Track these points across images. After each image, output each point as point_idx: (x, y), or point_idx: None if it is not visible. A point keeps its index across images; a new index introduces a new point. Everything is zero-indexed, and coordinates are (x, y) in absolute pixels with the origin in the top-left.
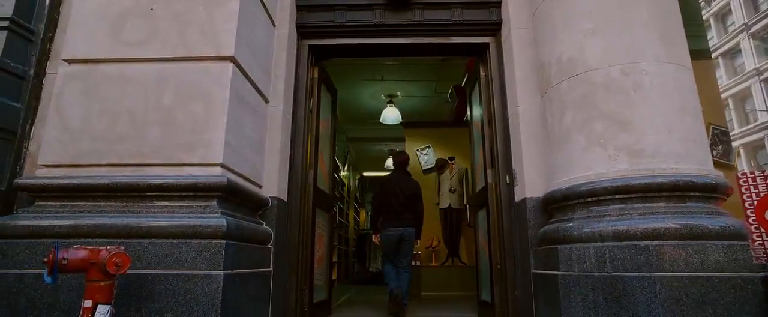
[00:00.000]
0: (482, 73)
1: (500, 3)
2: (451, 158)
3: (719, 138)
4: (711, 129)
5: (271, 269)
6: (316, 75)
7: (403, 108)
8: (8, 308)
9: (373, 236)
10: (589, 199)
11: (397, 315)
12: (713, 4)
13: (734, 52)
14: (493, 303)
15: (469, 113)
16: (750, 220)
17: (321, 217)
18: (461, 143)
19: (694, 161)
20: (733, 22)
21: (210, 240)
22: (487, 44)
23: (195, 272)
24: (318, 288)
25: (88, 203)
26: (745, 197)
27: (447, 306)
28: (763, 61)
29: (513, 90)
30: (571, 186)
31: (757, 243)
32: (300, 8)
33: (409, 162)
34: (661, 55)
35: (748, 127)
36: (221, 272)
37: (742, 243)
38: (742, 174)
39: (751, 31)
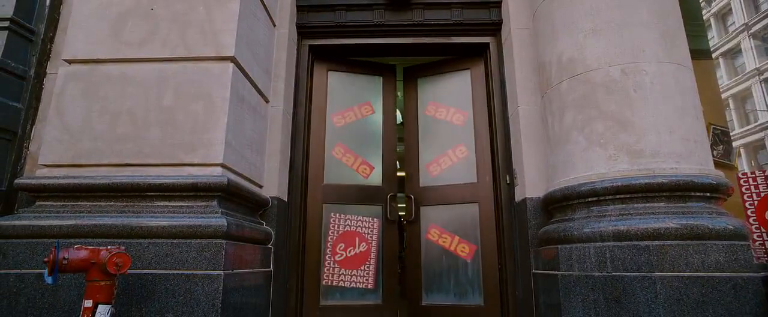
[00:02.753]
0: (484, 72)
1: (500, 3)
2: None
3: (720, 138)
4: (711, 129)
5: (271, 269)
6: (318, 73)
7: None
8: (9, 308)
9: None
10: (590, 199)
11: None
12: (713, 3)
13: (735, 52)
14: (489, 306)
15: (414, 97)
16: (750, 220)
17: (356, 212)
18: None
19: (695, 161)
20: (734, 22)
21: (210, 240)
22: (487, 44)
23: (195, 272)
24: (351, 291)
25: (88, 203)
26: (745, 197)
27: None
28: (764, 61)
29: (513, 90)
30: (571, 186)
31: (757, 243)
32: (300, 8)
33: None
34: (662, 55)
35: (749, 127)
36: (221, 272)
37: (743, 242)
38: (743, 174)
39: (751, 31)
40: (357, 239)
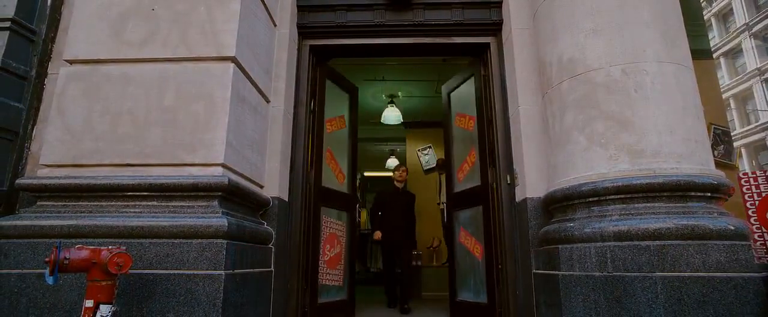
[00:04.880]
0: (482, 73)
1: (501, 3)
2: None
3: (721, 138)
4: (712, 129)
5: (272, 269)
6: (318, 74)
7: (404, 108)
8: (10, 308)
9: (374, 233)
10: (591, 199)
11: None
12: (714, 3)
13: (736, 52)
14: (491, 304)
15: (448, 111)
16: (751, 220)
17: (334, 216)
18: None
19: (696, 161)
20: (735, 22)
21: (211, 240)
22: (488, 44)
23: (196, 272)
24: (331, 289)
25: (89, 203)
26: (746, 197)
27: (446, 307)
28: (765, 61)
29: (514, 90)
30: (572, 186)
31: (758, 243)
32: (301, 8)
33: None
34: (663, 55)
35: (750, 127)
36: (222, 272)
37: (744, 242)
38: (744, 174)
39: (752, 31)
40: (335, 241)
